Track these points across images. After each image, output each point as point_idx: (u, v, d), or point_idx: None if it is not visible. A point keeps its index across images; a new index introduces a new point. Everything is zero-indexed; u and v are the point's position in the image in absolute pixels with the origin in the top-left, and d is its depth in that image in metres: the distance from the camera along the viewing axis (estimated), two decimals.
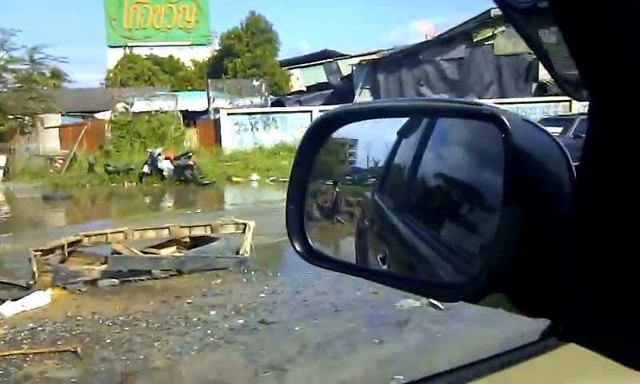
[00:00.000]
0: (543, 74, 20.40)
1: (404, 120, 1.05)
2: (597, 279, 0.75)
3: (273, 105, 23.57)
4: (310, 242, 0.99)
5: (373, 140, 1.07)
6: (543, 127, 0.83)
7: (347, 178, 1.16)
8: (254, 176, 17.44)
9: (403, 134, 1.05)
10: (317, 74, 26.88)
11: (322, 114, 1.00)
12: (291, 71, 29.07)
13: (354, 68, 23.13)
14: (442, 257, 0.93)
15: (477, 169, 0.91)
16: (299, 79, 28.54)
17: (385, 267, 1.11)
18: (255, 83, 24.39)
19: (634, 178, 0.71)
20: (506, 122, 0.77)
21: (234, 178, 17.46)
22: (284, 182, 17.03)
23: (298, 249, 0.97)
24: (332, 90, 23.89)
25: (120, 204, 15.43)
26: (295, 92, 26.64)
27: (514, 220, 0.74)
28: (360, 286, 5.97)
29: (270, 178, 16.98)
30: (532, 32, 0.76)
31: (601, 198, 0.73)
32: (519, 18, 0.76)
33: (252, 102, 23.50)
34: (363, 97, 21.86)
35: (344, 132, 1.02)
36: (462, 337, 4.65)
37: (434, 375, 0.74)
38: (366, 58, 22.71)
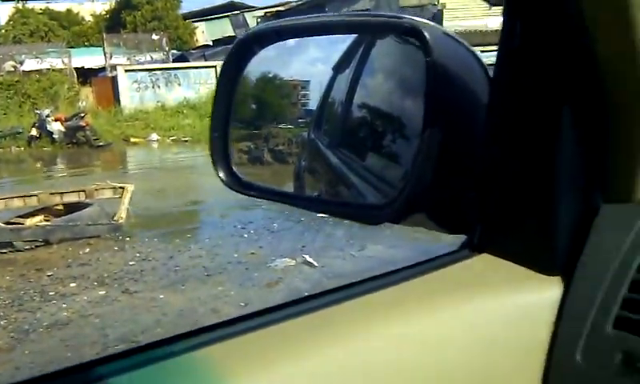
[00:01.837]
0: (447, 26, 20.94)
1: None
2: (506, 193, 0.78)
3: (176, 60, 22.71)
4: (236, 171, 0.96)
5: (324, 79, 1.05)
6: (462, 40, 0.83)
7: (300, 120, 1.14)
8: (154, 136, 16.82)
9: (338, 69, 1.04)
10: (223, 28, 26.09)
11: (243, 34, 0.99)
12: (196, 24, 27.95)
13: (259, 20, 22.62)
14: (369, 183, 0.93)
15: (401, 93, 0.90)
16: (204, 33, 27.52)
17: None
18: (155, 37, 23.26)
19: (544, 92, 0.72)
20: (427, 35, 0.75)
21: (132, 139, 16.77)
22: (185, 141, 16.65)
23: (222, 177, 0.95)
24: None
25: (4, 170, 14.43)
26: (200, 46, 25.74)
27: (432, 139, 0.74)
28: (239, 248, 5.92)
29: (171, 138, 16.52)
30: None
31: (510, 113, 0.75)
32: None
33: (152, 57, 22.45)
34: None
35: (296, 74, 1.05)
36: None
37: (337, 288, 0.74)
38: (271, 10, 22.26)
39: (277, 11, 21.91)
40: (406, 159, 0.81)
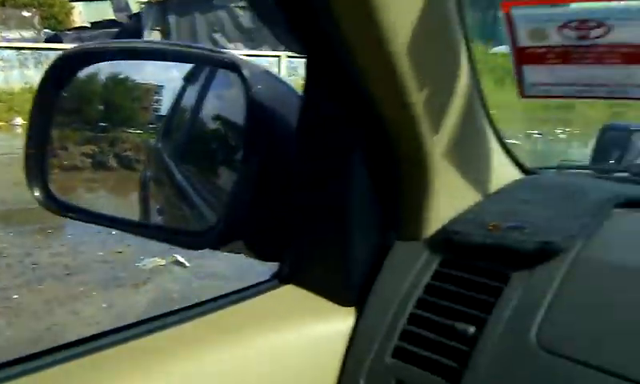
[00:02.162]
0: None
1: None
2: (310, 228, 0.82)
3: (48, 41, 21.01)
4: (52, 189, 0.94)
5: (178, 86, 1.03)
6: (286, 80, 0.87)
7: (151, 126, 1.11)
8: (18, 120, 15.47)
9: (188, 79, 1.03)
10: (103, 10, 24.58)
11: (62, 52, 0.96)
12: (73, 4, 26.11)
13: (142, 6, 21.64)
14: (201, 205, 0.95)
15: (230, 123, 0.92)
16: (82, 14, 25.77)
17: (136, 218, 1.07)
18: (26, 14, 21.39)
19: (338, 143, 0.77)
20: (245, 71, 0.79)
21: None
22: None
23: (37, 196, 0.92)
24: (119, 29, 22.13)
25: None
26: (77, 28, 24.00)
27: (249, 169, 0.79)
28: (105, 246, 5.60)
29: None
30: None
31: (312, 156, 0.79)
32: None
33: (22, 35, 20.62)
34: (153, 38, 20.62)
35: (151, 77, 1.01)
36: (199, 293, 4.60)
37: (140, 321, 0.73)
38: None
39: None
40: (227, 187, 0.86)
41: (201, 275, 4.90)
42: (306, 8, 0.64)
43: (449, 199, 0.86)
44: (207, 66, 0.97)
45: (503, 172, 0.99)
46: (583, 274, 0.73)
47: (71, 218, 0.97)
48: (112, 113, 1.13)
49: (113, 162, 1.09)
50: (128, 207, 1.13)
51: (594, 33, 0.72)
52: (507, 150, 1.00)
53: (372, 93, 0.71)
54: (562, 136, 11.83)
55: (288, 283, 0.85)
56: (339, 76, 0.72)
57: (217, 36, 21.86)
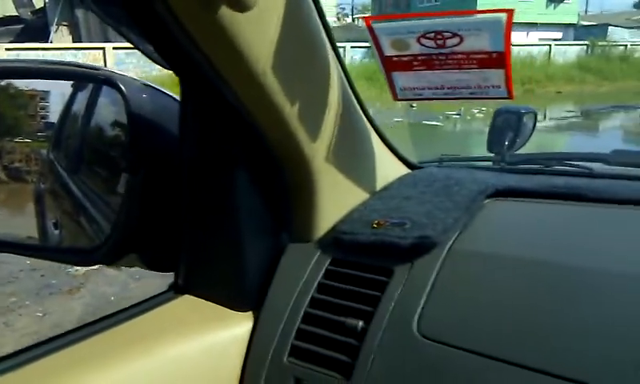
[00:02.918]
0: None
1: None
2: (202, 236, 0.83)
3: None
4: None
5: (66, 92, 1.00)
6: (168, 92, 0.85)
7: (40, 134, 1.07)
8: None
9: (78, 87, 0.99)
10: (3, 5, 23.10)
11: None
12: None
13: (47, 1, 20.51)
14: (93, 219, 0.94)
15: (117, 130, 0.91)
16: None
17: (31, 234, 1.04)
18: None
19: (224, 154, 0.78)
20: (122, 86, 0.79)
21: None
22: None
23: None
24: (23, 26, 20.93)
25: None
26: None
27: (135, 182, 0.79)
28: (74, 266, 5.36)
29: None
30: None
31: (198, 164, 0.79)
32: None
33: None
34: (60, 34, 19.68)
35: (33, 83, 0.97)
36: (138, 293, 4.50)
37: (40, 342, 0.72)
38: None
39: None
40: (116, 202, 0.85)
41: (137, 276, 4.80)
42: (173, 39, 0.65)
43: (337, 200, 0.89)
44: (85, 83, 0.95)
45: (389, 168, 1.03)
46: (457, 264, 0.79)
47: None
48: None
49: (1, 175, 1.05)
50: (20, 224, 1.09)
51: (450, 42, 0.77)
52: (391, 148, 1.05)
53: (247, 108, 0.73)
54: (479, 115, 12.29)
55: (184, 293, 0.86)
56: (212, 93, 0.73)
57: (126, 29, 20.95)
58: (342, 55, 0.86)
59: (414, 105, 15.04)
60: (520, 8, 26.10)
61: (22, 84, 1.00)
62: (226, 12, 0.57)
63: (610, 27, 27.28)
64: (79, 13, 19.82)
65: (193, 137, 0.79)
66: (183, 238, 0.84)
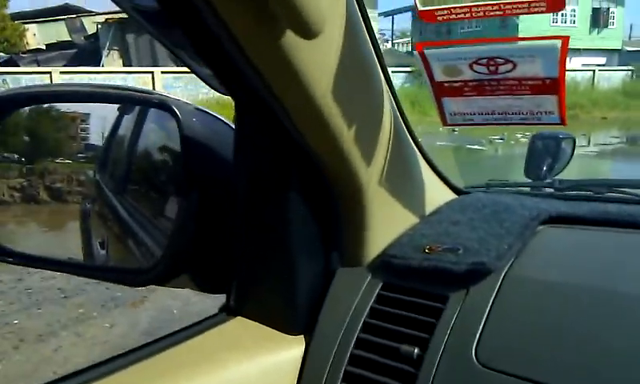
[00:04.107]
0: None
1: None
2: (254, 259, 0.83)
3: (3, 64, 20.55)
4: None
5: (107, 114, 1.01)
6: (219, 116, 0.86)
7: (80, 155, 1.08)
8: None
9: (124, 109, 1.00)
10: (58, 31, 24.15)
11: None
12: (26, 26, 25.55)
13: (100, 26, 21.33)
14: (141, 241, 0.95)
15: (171, 156, 0.91)
16: (36, 35, 25.17)
17: (74, 253, 1.03)
18: None
19: (277, 178, 0.79)
20: (176, 110, 0.80)
21: None
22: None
23: None
24: (76, 50, 21.81)
25: None
26: (32, 50, 23.56)
27: (190, 205, 0.79)
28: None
29: None
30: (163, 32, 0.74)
31: (251, 182, 0.80)
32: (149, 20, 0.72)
33: None
34: (111, 58, 20.39)
35: (75, 106, 0.97)
36: (200, 307, 4.53)
37: (94, 365, 0.72)
38: (113, 16, 21.07)
39: (119, 18, 20.78)
40: (170, 222, 0.86)
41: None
42: (230, 62, 0.66)
43: (387, 224, 0.89)
44: (139, 106, 0.97)
45: (436, 193, 1.03)
46: (513, 291, 0.78)
47: (10, 263, 0.95)
48: (38, 144, 1.10)
49: (44, 195, 1.06)
50: (63, 242, 1.10)
51: (503, 68, 0.77)
52: (438, 173, 1.05)
53: (301, 132, 0.74)
54: (522, 139, 12.12)
55: (236, 315, 0.86)
56: (267, 116, 0.74)
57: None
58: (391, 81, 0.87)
59: (457, 129, 14.91)
60: (562, 33, 25.75)
61: (62, 106, 1.01)
62: (288, 36, 0.58)
63: None
64: (130, 38, 20.52)
65: (247, 160, 0.80)
66: (236, 260, 0.85)
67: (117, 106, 1.02)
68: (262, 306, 0.86)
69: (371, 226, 0.86)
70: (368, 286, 0.85)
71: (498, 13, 0.68)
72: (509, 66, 0.76)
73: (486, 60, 0.77)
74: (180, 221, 0.84)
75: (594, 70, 23.80)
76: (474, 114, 0.86)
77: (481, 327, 0.74)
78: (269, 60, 0.62)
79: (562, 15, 26.24)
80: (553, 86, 0.76)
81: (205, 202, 0.82)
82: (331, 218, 0.86)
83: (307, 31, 0.57)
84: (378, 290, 0.84)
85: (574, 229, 0.93)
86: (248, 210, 0.82)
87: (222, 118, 0.88)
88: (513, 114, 0.83)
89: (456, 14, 0.70)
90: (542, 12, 0.65)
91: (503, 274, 0.80)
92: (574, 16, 26.31)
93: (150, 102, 0.90)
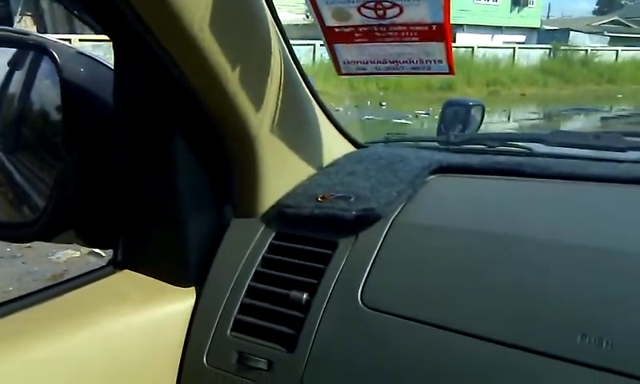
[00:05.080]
0: None
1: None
2: (141, 211, 0.81)
3: None
4: None
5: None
6: (102, 59, 0.82)
7: None
8: None
9: (14, 65, 0.96)
10: None
11: None
12: None
13: None
14: (27, 195, 0.91)
15: (51, 109, 0.86)
16: None
17: None
18: None
19: (160, 125, 0.76)
20: (55, 54, 0.76)
21: None
22: None
23: None
24: None
25: None
26: None
27: (71, 157, 0.76)
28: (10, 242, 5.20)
29: None
30: None
31: (134, 131, 0.77)
32: None
33: None
34: (23, 24, 19.15)
35: None
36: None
37: None
38: None
39: None
40: (51, 176, 0.82)
41: None
42: (108, 3, 0.63)
43: (281, 174, 0.88)
44: (15, 48, 0.91)
45: (335, 146, 1.03)
46: (400, 236, 0.80)
47: None
48: None
49: None
50: None
51: (390, 12, 0.76)
52: (338, 127, 1.05)
53: (184, 72, 0.71)
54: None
55: (123, 269, 0.84)
56: (150, 60, 0.71)
57: None
58: (294, 51, 0.85)
59: (384, 103, 15.18)
60: (485, 11, 26.56)
61: None
62: None
63: (571, 32, 27.99)
64: (44, 2, 19.35)
65: (128, 106, 0.77)
66: (122, 213, 0.82)
67: (7, 61, 0.96)
68: (151, 258, 0.84)
69: (264, 176, 0.85)
70: (261, 236, 0.84)
71: None
72: (396, 10, 0.76)
73: (373, 3, 0.76)
74: (63, 175, 0.80)
75: (514, 48, 24.73)
76: (367, 63, 0.85)
77: (367, 271, 0.76)
78: (146, 1, 0.60)
79: None
80: (439, 31, 0.77)
81: (86, 153, 0.78)
82: (223, 166, 0.84)
83: None
84: (270, 240, 0.84)
85: (464, 178, 0.96)
86: (131, 158, 0.79)
87: (105, 62, 0.84)
88: (404, 62, 0.83)
89: None
90: None
91: (391, 220, 0.81)
92: None
93: (26, 44, 0.84)
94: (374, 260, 0.77)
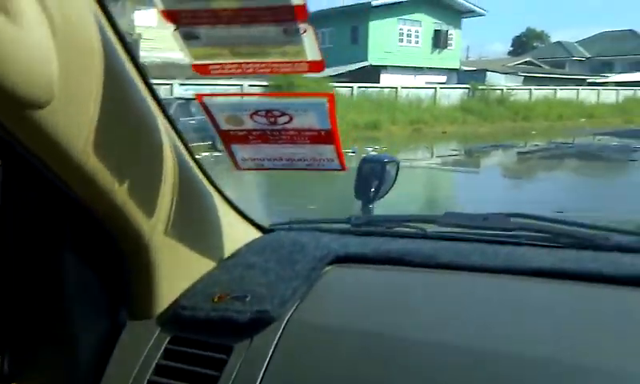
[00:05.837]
0: (143, 56, 20.47)
1: None
2: (29, 315, 0.78)
3: None
4: None
5: None
6: None
7: None
8: None
9: None
10: None
11: None
12: None
13: None
14: None
15: None
16: None
17: None
18: None
19: (52, 233, 0.75)
20: None
21: None
22: None
23: None
24: None
25: None
26: None
27: None
28: None
29: None
30: None
31: (20, 242, 0.75)
32: None
33: None
34: None
35: None
36: None
37: None
38: None
39: None
40: None
41: None
42: None
43: (180, 272, 0.88)
44: None
45: (238, 233, 1.04)
46: (294, 337, 0.81)
47: None
48: None
49: None
50: None
51: (281, 120, 0.80)
52: (239, 212, 1.06)
53: (70, 188, 0.70)
54: (373, 153, 12.87)
55: (11, 382, 0.80)
56: (37, 179, 0.70)
57: None
58: (175, 122, 0.86)
59: None
60: (408, 52, 27.68)
61: None
62: (27, 111, 0.56)
63: (487, 72, 29.58)
64: None
65: (14, 217, 0.75)
66: (8, 320, 0.79)
67: None
68: (41, 369, 0.81)
69: (160, 277, 0.84)
70: (156, 340, 0.83)
71: (266, 70, 0.71)
72: (286, 118, 0.79)
73: (264, 112, 0.79)
74: None
75: (435, 88, 25.83)
76: (264, 160, 0.88)
77: (261, 376, 0.76)
78: (21, 128, 0.59)
79: (408, 35, 28.20)
80: (328, 137, 0.81)
81: None
82: (117, 271, 0.83)
83: (36, 103, 0.54)
84: (165, 344, 0.83)
85: (359, 268, 0.99)
86: (20, 270, 0.77)
87: None
88: (298, 160, 0.86)
89: (228, 69, 0.72)
90: (303, 72, 0.69)
91: (286, 320, 0.83)
92: (418, 37, 28.38)
93: None
94: (268, 364, 0.77)
